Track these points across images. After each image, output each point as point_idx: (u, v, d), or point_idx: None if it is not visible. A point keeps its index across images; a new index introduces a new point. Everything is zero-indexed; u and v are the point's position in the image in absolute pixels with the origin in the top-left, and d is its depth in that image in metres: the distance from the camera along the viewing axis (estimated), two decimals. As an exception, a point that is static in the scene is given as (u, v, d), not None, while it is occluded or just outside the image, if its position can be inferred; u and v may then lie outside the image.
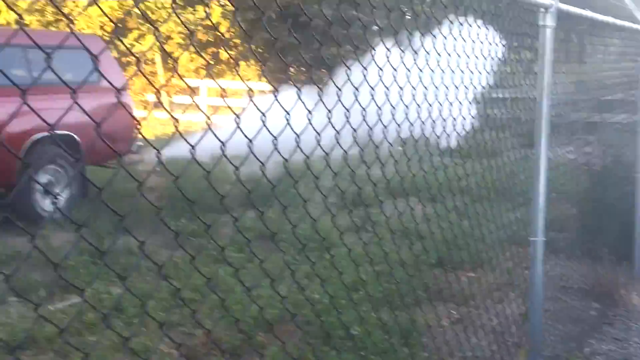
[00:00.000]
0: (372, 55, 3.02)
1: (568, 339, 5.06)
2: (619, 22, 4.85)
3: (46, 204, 7.75)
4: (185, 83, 16.17)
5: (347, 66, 2.83)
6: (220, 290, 5.14)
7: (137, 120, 8.86)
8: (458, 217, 5.09)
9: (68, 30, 1.72)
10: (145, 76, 2.41)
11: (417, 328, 4.48)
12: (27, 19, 16.34)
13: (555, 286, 5.82)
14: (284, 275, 5.46)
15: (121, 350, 4.36)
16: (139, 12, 17.69)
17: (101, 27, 17.53)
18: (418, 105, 3.76)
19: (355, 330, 4.36)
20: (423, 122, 3.61)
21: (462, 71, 3.78)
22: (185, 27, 17.43)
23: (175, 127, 2.11)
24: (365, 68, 2.84)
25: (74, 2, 17.97)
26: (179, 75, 7.56)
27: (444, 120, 4.14)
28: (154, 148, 2.10)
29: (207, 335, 4.46)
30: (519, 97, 5.84)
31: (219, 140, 2.18)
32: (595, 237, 6.34)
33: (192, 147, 2.05)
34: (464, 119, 4.60)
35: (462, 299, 5.16)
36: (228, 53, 18.59)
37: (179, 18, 2.65)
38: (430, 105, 3.53)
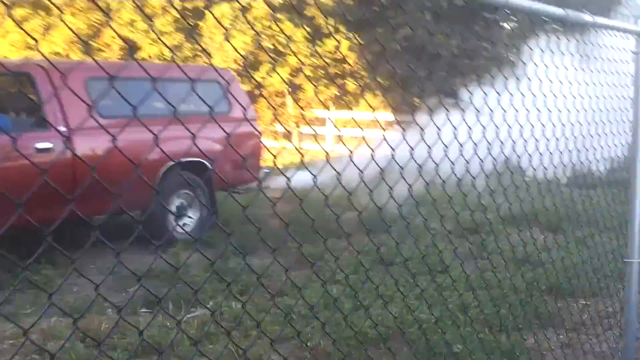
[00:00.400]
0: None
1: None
2: None
3: (180, 225, 8.28)
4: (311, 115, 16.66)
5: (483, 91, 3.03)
6: (334, 308, 5.35)
7: (267, 148, 9.30)
8: (577, 247, 5.16)
9: (203, 64, 2.00)
10: (272, 106, 2.68)
11: (521, 349, 4.51)
12: (167, 54, 17.43)
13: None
14: (394, 297, 5.65)
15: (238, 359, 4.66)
16: (270, 46, 18.48)
17: (235, 62, 18.39)
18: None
19: (457, 348, 4.46)
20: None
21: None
22: (322, 59, 17.98)
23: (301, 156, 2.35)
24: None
25: (210, 38, 18.99)
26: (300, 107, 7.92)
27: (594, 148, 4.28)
28: (285, 175, 2.38)
29: (317, 349, 4.68)
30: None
31: (336, 170, 2.41)
32: None
33: (314, 176, 2.29)
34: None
35: (572, 325, 5.15)
36: (355, 83, 19.03)
37: (316, 52, 2.92)
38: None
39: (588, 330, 4.95)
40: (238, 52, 15.12)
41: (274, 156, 2.76)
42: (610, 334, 4.97)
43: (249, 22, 17.71)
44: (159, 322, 5.39)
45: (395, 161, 3.03)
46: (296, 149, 2.73)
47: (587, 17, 2.98)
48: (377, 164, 2.77)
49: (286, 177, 2.55)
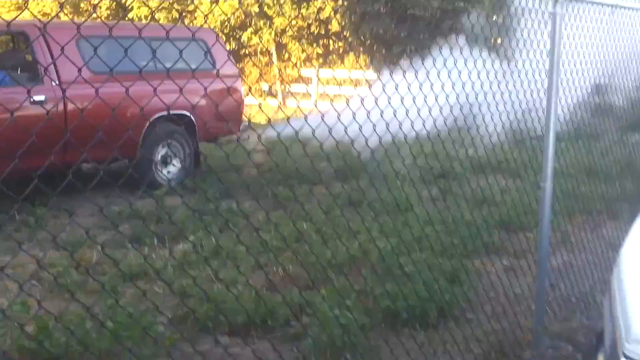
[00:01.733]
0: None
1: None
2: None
3: (164, 173, 8.90)
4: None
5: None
6: (304, 241, 5.97)
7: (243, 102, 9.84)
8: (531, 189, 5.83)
9: (189, 25, 2.52)
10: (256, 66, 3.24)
11: (466, 271, 5.16)
12: (156, 15, 17.83)
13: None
14: (360, 231, 6.28)
15: (214, 282, 5.29)
16: (257, 10, 18.91)
17: (222, 23, 18.84)
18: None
19: (408, 269, 5.09)
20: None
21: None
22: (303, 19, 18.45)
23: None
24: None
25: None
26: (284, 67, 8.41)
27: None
28: (254, 130, 2.94)
29: (285, 271, 5.33)
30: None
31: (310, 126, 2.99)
32: None
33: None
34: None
35: (515, 252, 5.81)
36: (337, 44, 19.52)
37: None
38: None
39: (527, 256, 5.59)
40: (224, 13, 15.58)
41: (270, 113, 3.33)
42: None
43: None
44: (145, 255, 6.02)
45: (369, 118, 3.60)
46: (279, 103, 3.30)
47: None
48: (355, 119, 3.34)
49: (257, 133, 3.11)
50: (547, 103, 4.17)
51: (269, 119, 3.33)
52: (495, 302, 4.89)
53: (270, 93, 19.10)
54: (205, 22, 15.45)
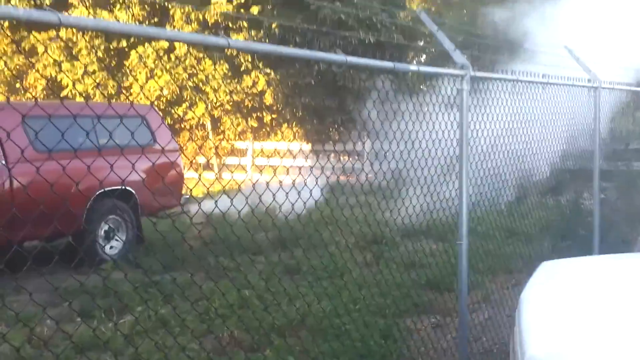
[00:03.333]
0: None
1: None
2: (537, 79, 6.02)
3: (107, 248, 9.15)
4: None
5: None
6: (247, 308, 6.32)
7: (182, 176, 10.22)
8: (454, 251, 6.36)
9: (128, 102, 2.92)
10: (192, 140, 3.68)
11: (398, 328, 5.61)
12: (91, 92, 18.19)
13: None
14: (298, 296, 6.67)
15: (163, 351, 5.58)
16: (192, 85, 19.45)
17: (158, 98, 19.28)
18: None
19: (345, 328, 5.51)
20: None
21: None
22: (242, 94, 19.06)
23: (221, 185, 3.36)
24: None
25: (134, 77, 19.84)
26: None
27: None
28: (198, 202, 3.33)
29: (231, 336, 5.67)
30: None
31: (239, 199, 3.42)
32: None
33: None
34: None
35: (443, 311, 6.31)
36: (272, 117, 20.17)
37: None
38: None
39: (452, 314, 6.07)
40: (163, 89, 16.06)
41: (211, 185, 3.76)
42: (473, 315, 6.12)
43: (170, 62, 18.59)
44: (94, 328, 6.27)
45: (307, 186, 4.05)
46: (215, 176, 3.73)
47: (413, 67, 4.11)
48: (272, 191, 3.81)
49: (197, 205, 3.50)
50: (459, 169, 4.72)
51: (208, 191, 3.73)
52: (425, 356, 5.33)
53: (207, 166, 19.52)
54: (141, 96, 15.88)
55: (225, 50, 18.81)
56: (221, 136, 20.17)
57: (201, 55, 18.39)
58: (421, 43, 26.73)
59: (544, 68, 7.17)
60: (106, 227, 9.26)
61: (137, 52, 18.91)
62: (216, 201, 3.81)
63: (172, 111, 19.57)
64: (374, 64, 3.90)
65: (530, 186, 7.85)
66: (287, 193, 3.88)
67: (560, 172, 8.83)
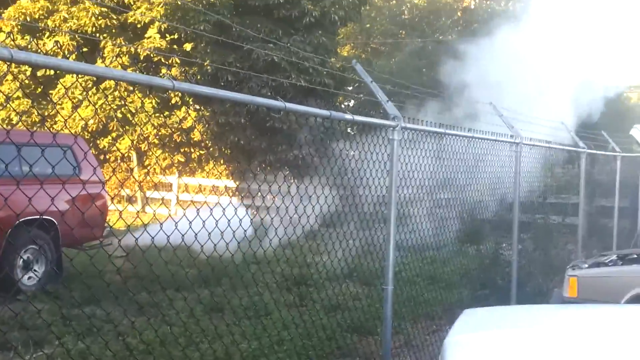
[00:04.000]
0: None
1: None
2: (461, 133, 6.29)
3: (26, 278, 8.92)
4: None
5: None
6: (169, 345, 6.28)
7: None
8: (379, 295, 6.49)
9: (53, 130, 2.92)
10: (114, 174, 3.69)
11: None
12: (14, 119, 17.74)
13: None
14: (222, 335, 6.66)
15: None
16: (119, 116, 19.24)
17: (83, 129, 18.98)
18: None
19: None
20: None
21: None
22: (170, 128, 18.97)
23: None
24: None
25: (60, 105, 19.51)
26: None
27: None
28: (117, 238, 3.32)
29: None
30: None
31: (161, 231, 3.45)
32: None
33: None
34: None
35: (366, 355, 6.41)
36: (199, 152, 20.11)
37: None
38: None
39: (375, 358, 6.17)
40: (102, 116, 15.82)
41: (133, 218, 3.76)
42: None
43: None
44: None
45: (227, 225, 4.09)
46: (138, 210, 3.75)
47: (348, 116, 4.25)
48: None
49: (117, 238, 3.48)
50: (388, 214, 4.86)
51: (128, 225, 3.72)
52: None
53: (129, 200, 19.27)
54: (66, 126, 15.59)
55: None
56: (146, 170, 19.97)
57: (131, 87, 18.23)
58: (350, 88, 27.29)
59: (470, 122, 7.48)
60: (25, 257, 9.03)
61: (62, 84, 18.61)
62: (136, 238, 3.81)
63: (97, 142, 19.32)
64: (312, 111, 4.02)
65: (451, 233, 8.09)
66: (210, 233, 3.91)
67: (481, 222, 9.13)
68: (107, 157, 20.20)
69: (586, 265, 8.02)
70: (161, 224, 3.89)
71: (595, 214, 13.88)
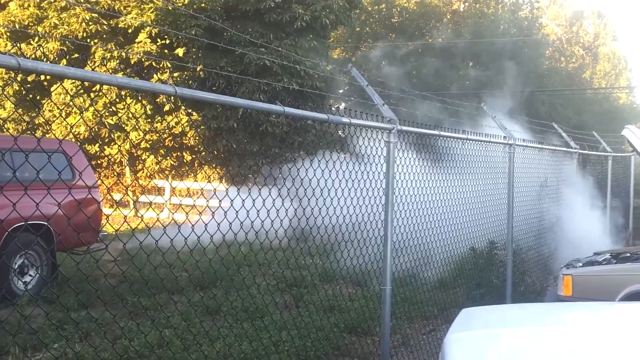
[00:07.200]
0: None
1: None
2: (457, 135, 6.34)
3: (21, 283, 8.91)
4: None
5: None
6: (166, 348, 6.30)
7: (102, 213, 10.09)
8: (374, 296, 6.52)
9: (45, 136, 2.91)
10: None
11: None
12: (5, 125, 17.71)
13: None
14: (218, 337, 6.68)
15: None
16: (111, 122, 19.23)
17: (75, 135, 18.93)
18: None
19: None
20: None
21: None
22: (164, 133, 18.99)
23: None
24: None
25: (51, 111, 19.49)
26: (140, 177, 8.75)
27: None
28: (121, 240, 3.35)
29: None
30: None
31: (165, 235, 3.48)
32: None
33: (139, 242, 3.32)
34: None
35: (364, 355, 6.44)
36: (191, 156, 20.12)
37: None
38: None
39: (372, 358, 6.21)
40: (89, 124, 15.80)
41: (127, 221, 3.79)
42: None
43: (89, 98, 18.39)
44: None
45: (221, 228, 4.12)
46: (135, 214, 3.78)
47: (345, 119, 4.30)
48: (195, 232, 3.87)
49: (109, 243, 3.51)
50: (385, 215, 4.90)
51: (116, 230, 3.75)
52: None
53: (121, 204, 19.23)
54: (59, 131, 15.59)
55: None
56: (139, 174, 19.95)
57: (123, 93, 18.23)
58: (341, 91, 27.37)
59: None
60: (20, 262, 9.02)
61: (54, 91, 18.57)
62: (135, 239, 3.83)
63: (88, 148, 19.29)
64: (310, 115, 4.06)
65: (448, 233, 8.14)
66: (199, 235, 3.93)
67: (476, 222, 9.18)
68: (99, 161, 20.19)
69: (580, 264, 8.08)
70: (149, 228, 3.90)
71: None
